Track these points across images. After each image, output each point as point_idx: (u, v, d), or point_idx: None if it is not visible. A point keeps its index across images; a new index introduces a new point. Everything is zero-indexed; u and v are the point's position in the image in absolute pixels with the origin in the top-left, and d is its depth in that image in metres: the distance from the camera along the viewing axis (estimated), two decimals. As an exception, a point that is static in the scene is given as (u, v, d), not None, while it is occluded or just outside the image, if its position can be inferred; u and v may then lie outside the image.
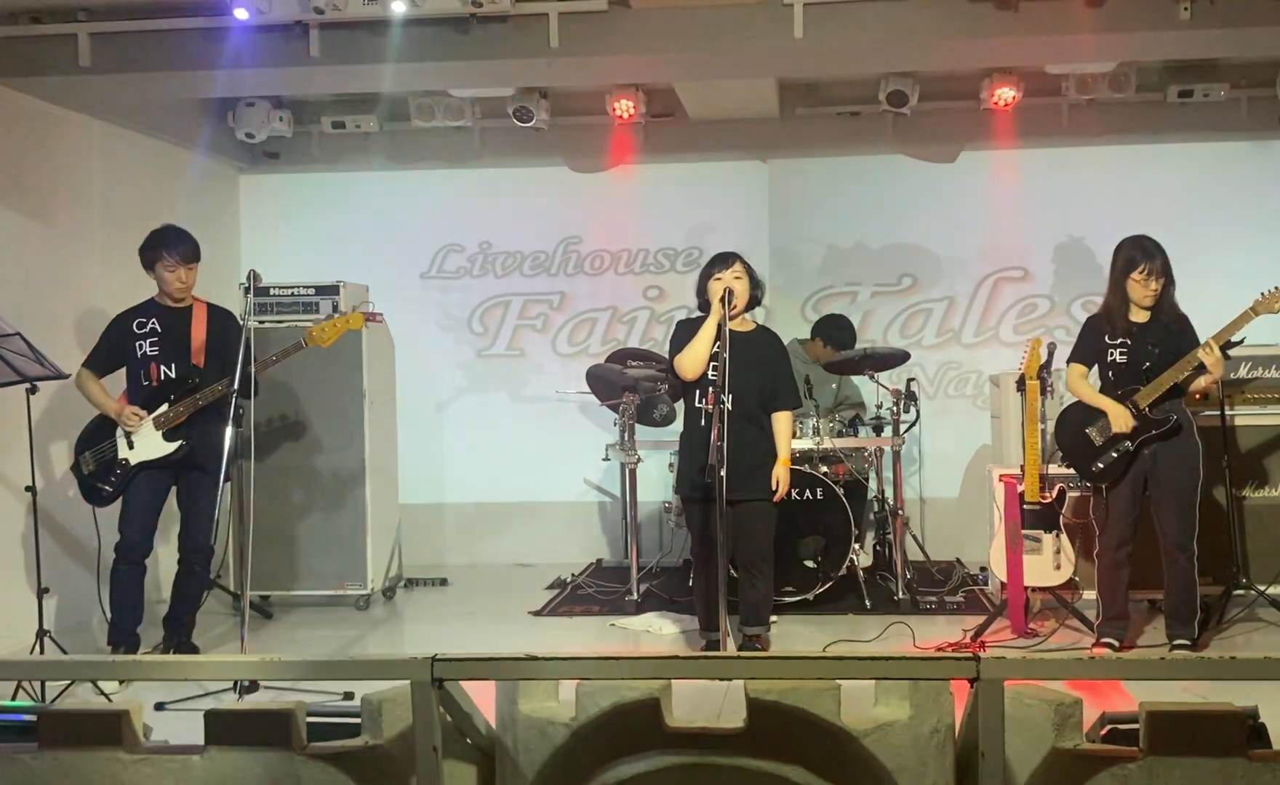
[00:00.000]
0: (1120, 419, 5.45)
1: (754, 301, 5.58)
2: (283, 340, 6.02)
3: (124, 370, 5.75)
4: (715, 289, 5.39)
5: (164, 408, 5.57)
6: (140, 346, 5.65)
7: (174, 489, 5.75)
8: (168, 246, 5.62)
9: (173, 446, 5.56)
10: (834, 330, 7.55)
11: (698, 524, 5.49)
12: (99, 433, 5.64)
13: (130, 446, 5.56)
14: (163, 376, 5.64)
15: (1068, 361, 5.73)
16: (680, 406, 5.76)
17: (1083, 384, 5.67)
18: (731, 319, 5.30)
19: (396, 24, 6.04)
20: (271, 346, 6.01)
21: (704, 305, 5.50)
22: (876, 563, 7.20)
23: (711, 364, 5.27)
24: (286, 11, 5.91)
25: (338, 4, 5.75)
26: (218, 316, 5.78)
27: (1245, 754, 2.57)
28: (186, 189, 7.88)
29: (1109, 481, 5.54)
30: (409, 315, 8.08)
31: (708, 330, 5.36)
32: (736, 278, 5.42)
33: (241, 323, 5.34)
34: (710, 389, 5.14)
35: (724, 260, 5.48)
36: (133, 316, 5.72)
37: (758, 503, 5.45)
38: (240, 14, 5.78)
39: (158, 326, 5.67)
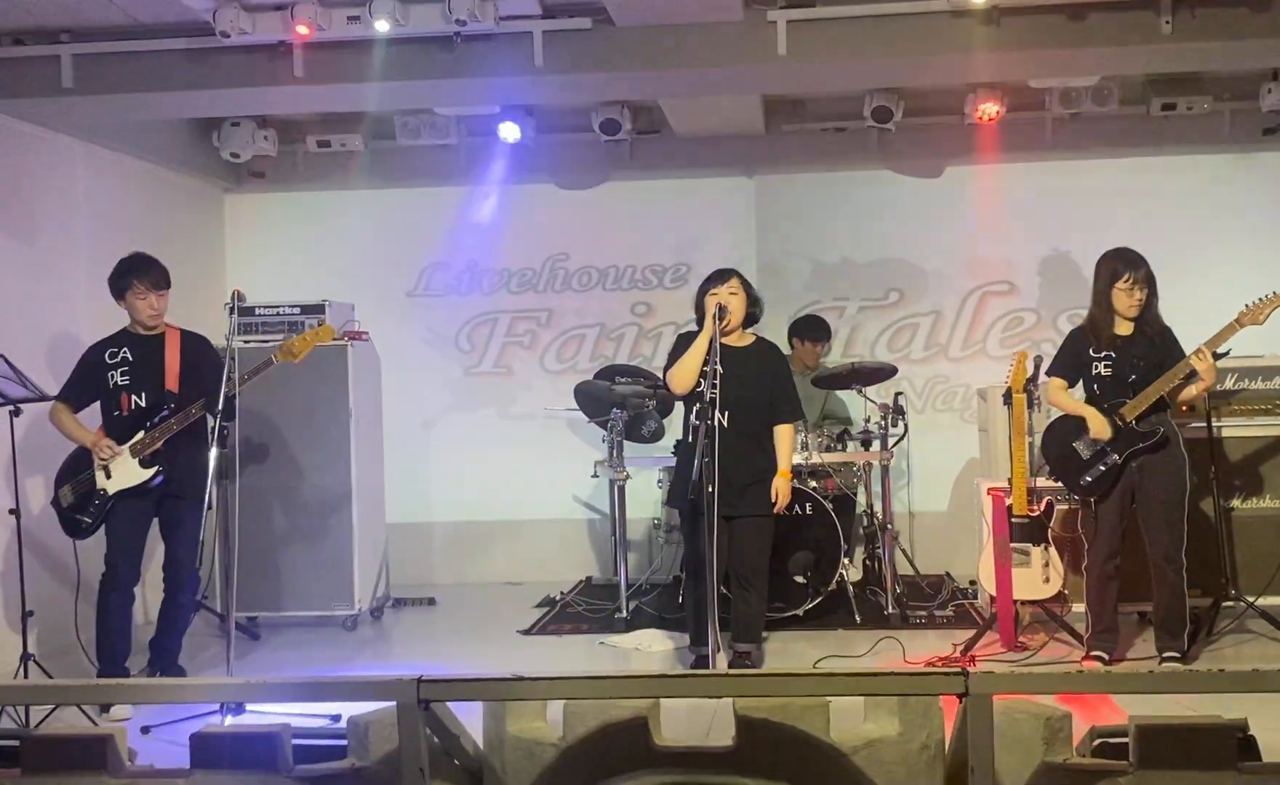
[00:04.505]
0: (1100, 427, 5.47)
1: (752, 319, 5.64)
2: (268, 360, 5.99)
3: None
4: (710, 305, 5.43)
5: (140, 435, 5.49)
6: (111, 377, 5.56)
7: (156, 519, 5.67)
8: (138, 274, 5.54)
9: (149, 473, 5.47)
10: (810, 327, 7.68)
11: (690, 538, 5.49)
12: (77, 465, 5.56)
13: (108, 476, 5.48)
14: (133, 406, 5.55)
15: (1047, 374, 5.75)
16: (678, 420, 5.78)
17: (1062, 395, 5.68)
18: (726, 335, 5.40)
19: (380, 43, 6.05)
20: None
21: (702, 321, 5.53)
22: (866, 577, 7.20)
23: (705, 379, 5.29)
24: (269, 32, 5.91)
25: (321, 24, 5.75)
26: (191, 342, 5.71)
27: (1235, 767, 2.57)
28: (171, 209, 7.86)
29: (1097, 495, 5.54)
30: (395, 333, 8.07)
31: (699, 345, 5.39)
32: (731, 293, 5.48)
33: (226, 343, 5.30)
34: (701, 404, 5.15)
35: (720, 276, 5.55)
36: (104, 347, 5.64)
37: (752, 519, 5.47)
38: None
39: (129, 355, 5.59)
